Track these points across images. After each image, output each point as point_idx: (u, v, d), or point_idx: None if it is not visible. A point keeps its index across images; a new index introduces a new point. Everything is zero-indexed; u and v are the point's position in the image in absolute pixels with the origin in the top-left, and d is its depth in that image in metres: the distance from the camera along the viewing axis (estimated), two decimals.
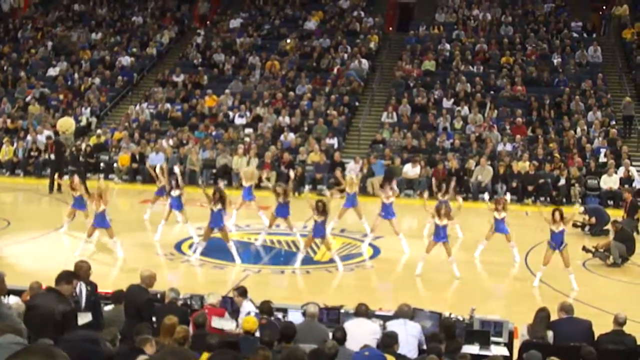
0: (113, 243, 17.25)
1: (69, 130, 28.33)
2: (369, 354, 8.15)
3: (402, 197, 25.85)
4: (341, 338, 9.24)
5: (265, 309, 10.81)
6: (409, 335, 10.04)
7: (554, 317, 11.01)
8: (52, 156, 26.81)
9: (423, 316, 11.28)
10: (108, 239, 17.34)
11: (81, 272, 10.12)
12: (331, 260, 17.27)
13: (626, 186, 24.67)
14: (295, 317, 11.00)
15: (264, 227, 19.16)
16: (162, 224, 18.81)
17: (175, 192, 18.73)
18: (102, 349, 3.78)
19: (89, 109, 32.24)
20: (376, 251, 18.66)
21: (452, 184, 20.05)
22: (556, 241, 15.61)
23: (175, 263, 17.28)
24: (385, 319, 11.30)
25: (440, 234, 16.16)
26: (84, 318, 10.56)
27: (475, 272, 17.22)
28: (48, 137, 28.88)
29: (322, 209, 16.56)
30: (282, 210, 18.33)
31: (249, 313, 10.91)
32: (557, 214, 15.67)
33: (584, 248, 18.18)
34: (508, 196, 20.04)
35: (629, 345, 10.34)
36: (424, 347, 10.22)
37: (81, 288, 10.04)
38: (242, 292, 11.50)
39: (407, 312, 10.74)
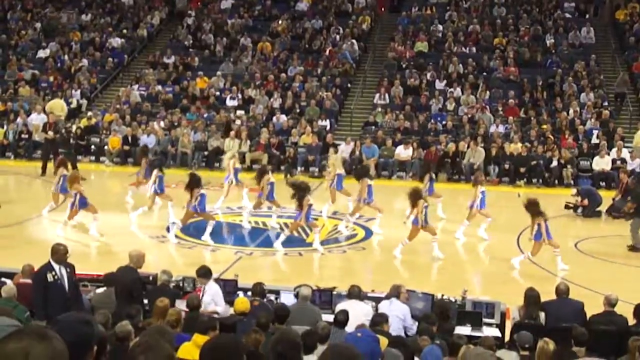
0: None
1: (59, 111, 28.32)
2: (362, 334, 8.19)
3: (394, 179, 25.94)
4: (343, 321, 9.26)
5: (258, 291, 10.85)
6: (392, 314, 10.10)
7: (544, 298, 11.08)
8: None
9: (416, 297, 11.35)
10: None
11: (59, 254, 10.13)
12: (324, 243, 17.34)
13: (624, 166, 24.71)
14: (288, 299, 11.05)
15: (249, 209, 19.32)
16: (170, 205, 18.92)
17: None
18: (95, 332, 3.80)
19: (79, 91, 32.13)
20: (368, 233, 18.71)
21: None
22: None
23: (166, 245, 17.29)
24: (378, 300, 11.37)
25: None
26: None
27: (463, 253, 17.32)
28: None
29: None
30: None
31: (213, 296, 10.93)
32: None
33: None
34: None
35: (621, 326, 10.42)
36: (409, 331, 10.29)
37: (61, 271, 10.06)
38: (204, 273, 11.30)
39: (393, 291, 10.81)
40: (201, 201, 16.95)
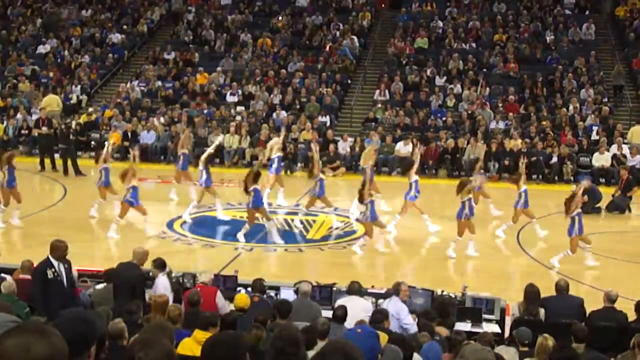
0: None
1: (55, 107, 28.39)
2: (362, 330, 8.18)
3: (394, 175, 25.90)
4: (342, 316, 9.26)
5: (258, 286, 10.85)
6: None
7: (543, 294, 11.08)
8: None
9: (415, 294, 11.35)
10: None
11: (59, 251, 10.13)
12: (323, 239, 17.33)
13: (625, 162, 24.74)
14: (288, 295, 11.06)
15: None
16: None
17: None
18: (96, 330, 3.80)
19: (79, 87, 32.11)
20: None
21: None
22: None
23: (167, 242, 17.28)
24: (378, 296, 11.38)
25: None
26: None
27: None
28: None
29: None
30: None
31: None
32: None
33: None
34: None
35: (620, 322, 10.43)
36: (410, 329, 10.27)
37: (60, 268, 10.06)
38: (159, 264, 11.32)
39: (393, 289, 10.79)
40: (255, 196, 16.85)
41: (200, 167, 18.68)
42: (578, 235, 15.45)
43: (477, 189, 18.13)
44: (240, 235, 16.93)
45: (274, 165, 20.03)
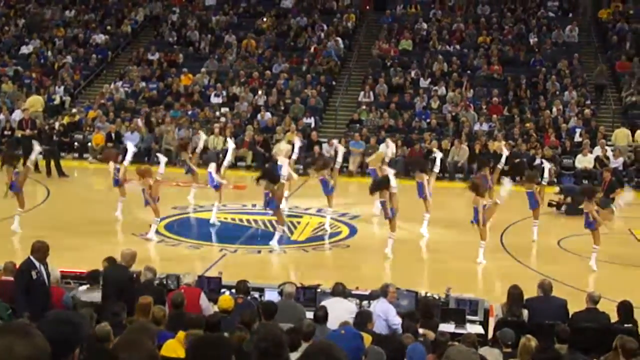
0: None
1: (39, 107, 28.28)
2: (346, 332, 8.20)
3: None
4: (322, 317, 9.27)
5: (242, 288, 10.84)
6: (375, 314, 10.11)
7: (527, 295, 11.12)
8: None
9: (400, 295, 11.37)
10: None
11: (40, 252, 10.10)
12: (308, 240, 17.35)
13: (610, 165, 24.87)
14: (272, 297, 11.05)
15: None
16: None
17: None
18: (81, 332, 3.79)
19: (62, 88, 31.98)
20: (352, 231, 18.72)
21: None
22: None
23: (151, 243, 17.20)
24: (362, 298, 11.39)
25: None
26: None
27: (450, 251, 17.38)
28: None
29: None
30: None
31: None
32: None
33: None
34: None
35: (603, 323, 10.48)
36: (398, 330, 10.29)
37: (41, 269, 10.04)
38: (113, 262, 11.36)
39: (380, 290, 10.80)
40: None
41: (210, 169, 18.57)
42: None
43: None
44: (273, 242, 16.86)
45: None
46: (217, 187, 18.57)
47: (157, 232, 17.46)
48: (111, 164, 18.86)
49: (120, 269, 11.02)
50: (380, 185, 16.14)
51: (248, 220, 19.22)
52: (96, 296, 10.84)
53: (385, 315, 10.33)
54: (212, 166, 18.67)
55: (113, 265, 11.14)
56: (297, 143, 21.08)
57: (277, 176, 16.91)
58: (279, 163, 19.25)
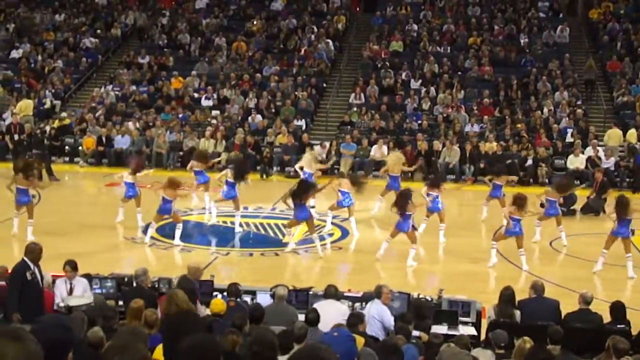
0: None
1: (30, 112, 28.25)
2: (338, 334, 8.21)
3: (370, 179, 25.89)
4: (314, 319, 9.27)
5: (233, 291, 10.83)
6: (368, 316, 10.12)
7: (519, 296, 11.15)
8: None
9: (392, 297, 11.37)
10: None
11: (34, 254, 10.07)
12: (301, 242, 17.35)
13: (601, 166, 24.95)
14: (264, 300, 11.05)
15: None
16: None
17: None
18: (74, 336, 3.79)
19: (52, 92, 31.90)
20: (344, 233, 18.73)
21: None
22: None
23: (142, 246, 17.18)
24: (355, 300, 11.40)
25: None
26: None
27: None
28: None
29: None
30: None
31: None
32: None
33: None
34: None
35: (596, 324, 10.51)
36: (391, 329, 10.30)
37: (35, 270, 10.01)
38: (75, 266, 11.27)
39: (374, 292, 10.80)
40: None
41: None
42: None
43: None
44: (318, 246, 16.82)
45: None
46: (233, 197, 18.56)
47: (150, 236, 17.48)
48: (127, 174, 18.70)
49: (188, 284, 10.93)
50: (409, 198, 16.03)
51: (241, 224, 19.06)
52: (86, 300, 10.84)
53: (381, 316, 10.33)
54: (229, 173, 18.62)
55: (182, 279, 11.08)
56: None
57: (310, 184, 17.16)
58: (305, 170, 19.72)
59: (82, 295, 11.06)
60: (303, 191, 16.39)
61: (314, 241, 16.71)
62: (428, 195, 17.77)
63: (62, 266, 11.18)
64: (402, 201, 15.76)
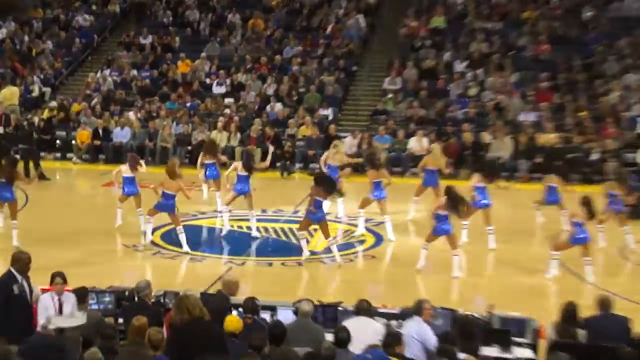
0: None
1: (15, 101, 28.47)
2: (373, 356, 8.22)
3: (407, 176, 25.85)
4: (344, 339, 9.27)
5: (250, 306, 10.84)
6: (407, 335, 10.10)
7: (583, 313, 11.09)
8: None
9: (434, 313, 11.35)
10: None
11: (21, 263, 10.14)
12: (327, 250, 17.36)
13: None
14: (286, 316, 11.06)
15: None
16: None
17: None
18: (69, 358, 3.82)
19: (41, 77, 32.13)
20: (379, 239, 18.71)
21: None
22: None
23: (146, 255, 17.27)
24: (391, 317, 11.38)
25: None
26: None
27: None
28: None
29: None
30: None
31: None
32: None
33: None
34: None
35: None
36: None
37: (23, 282, 10.07)
38: (65, 279, 11.09)
39: (414, 308, 10.78)
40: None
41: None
42: None
43: None
44: (334, 249, 16.94)
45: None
46: (245, 193, 18.65)
47: (152, 242, 17.55)
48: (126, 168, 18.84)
49: (223, 302, 10.96)
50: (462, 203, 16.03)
51: (258, 229, 19.11)
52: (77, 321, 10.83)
53: (421, 336, 10.30)
54: (239, 166, 18.77)
55: (217, 296, 11.12)
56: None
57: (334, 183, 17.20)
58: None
59: (71, 314, 10.96)
60: (325, 188, 16.50)
61: (330, 247, 16.80)
62: (476, 188, 17.73)
63: (50, 278, 10.87)
64: (452, 202, 15.80)
